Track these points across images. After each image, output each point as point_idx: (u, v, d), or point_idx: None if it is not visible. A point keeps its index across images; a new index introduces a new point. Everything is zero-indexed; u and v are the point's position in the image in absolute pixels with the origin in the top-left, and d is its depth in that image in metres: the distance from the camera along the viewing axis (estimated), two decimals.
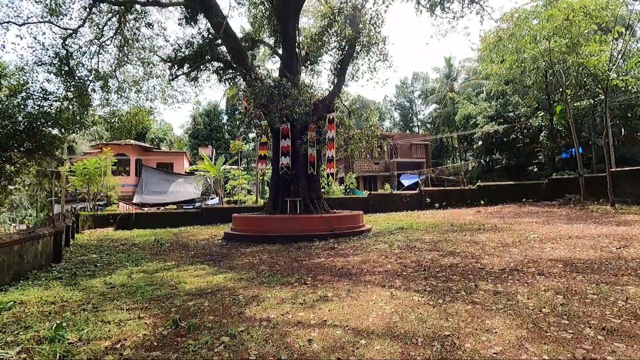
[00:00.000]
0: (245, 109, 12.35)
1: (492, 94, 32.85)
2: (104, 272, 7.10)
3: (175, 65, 14.85)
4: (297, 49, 13.20)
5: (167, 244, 11.53)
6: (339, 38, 11.26)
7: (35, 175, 43.06)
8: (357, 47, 11.55)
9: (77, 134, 18.23)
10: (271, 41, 14.75)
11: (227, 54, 12.86)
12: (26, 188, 46.42)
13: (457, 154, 48.13)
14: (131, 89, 16.52)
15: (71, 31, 13.33)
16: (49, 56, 13.25)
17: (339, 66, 12.12)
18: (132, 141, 31.15)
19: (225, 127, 49.64)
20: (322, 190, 24.73)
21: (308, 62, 14.40)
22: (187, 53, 14.13)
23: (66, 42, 13.31)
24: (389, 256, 7.34)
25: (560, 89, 25.40)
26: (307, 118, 11.25)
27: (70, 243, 12.40)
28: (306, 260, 7.40)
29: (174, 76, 13.09)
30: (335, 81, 12.14)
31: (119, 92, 16.27)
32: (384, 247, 8.53)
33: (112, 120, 17.02)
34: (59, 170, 25.47)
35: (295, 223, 10.98)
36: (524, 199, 21.44)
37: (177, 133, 51.48)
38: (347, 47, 11.46)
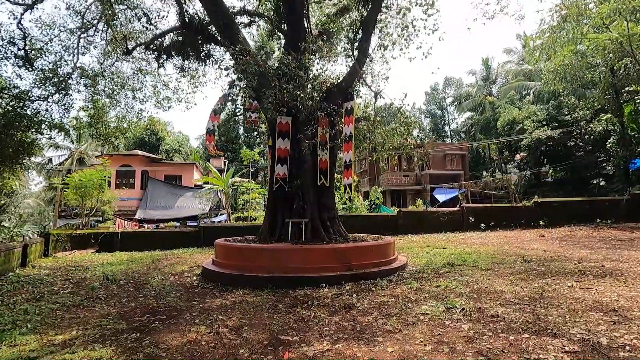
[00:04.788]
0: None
1: (541, 95, 28.43)
2: None
3: (164, 55, 12.87)
4: (305, 22, 9.96)
5: (120, 282, 8.31)
6: None
7: (47, 188, 42.21)
8: None
9: (53, 138, 16.08)
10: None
11: (207, 21, 9.78)
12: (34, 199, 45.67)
13: (496, 165, 43.29)
14: (119, 88, 14.29)
15: (26, 6, 10.76)
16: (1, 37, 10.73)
17: (360, 33, 8.48)
18: (139, 152, 28.91)
19: (242, 137, 47.20)
20: (344, 206, 20.99)
21: (321, 42, 11.13)
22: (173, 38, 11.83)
23: (22, 23, 10.77)
24: (457, 344, 3.69)
25: (631, 86, 21.00)
26: (316, 105, 7.83)
27: (8, 275, 9.44)
28: (294, 347, 3.87)
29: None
30: (356, 54, 8.52)
31: (105, 92, 14.21)
32: (436, 311, 4.87)
33: (97, 125, 14.70)
34: (54, 183, 23.33)
35: (295, 257, 7.45)
36: (598, 220, 16.96)
37: (194, 144, 49.53)
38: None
